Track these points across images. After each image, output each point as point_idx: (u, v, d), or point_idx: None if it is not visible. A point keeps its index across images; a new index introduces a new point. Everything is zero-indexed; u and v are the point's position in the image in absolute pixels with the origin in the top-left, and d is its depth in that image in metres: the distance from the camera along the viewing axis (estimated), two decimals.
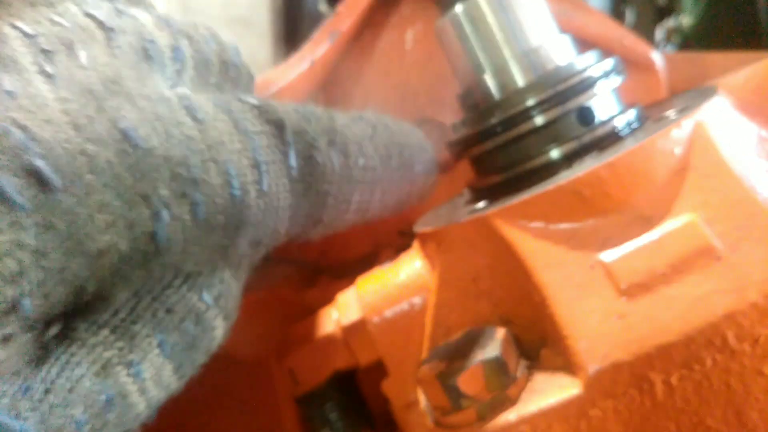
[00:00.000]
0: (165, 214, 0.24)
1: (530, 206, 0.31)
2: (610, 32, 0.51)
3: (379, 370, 0.40)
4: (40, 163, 0.21)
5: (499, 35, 0.36)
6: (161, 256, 0.24)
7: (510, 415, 0.28)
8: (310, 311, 0.44)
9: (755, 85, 0.35)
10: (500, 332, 0.31)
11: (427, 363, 0.31)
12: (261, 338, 0.46)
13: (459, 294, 0.35)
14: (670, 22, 1.07)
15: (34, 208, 0.21)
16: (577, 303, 0.29)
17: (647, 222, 0.29)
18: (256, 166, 0.27)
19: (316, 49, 0.49)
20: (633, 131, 0.34)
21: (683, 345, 0.27)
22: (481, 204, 0.36)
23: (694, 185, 0.29)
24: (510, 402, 0.29)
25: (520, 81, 0.35)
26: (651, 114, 0.37)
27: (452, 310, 0.35)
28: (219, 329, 0.28)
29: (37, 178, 0.21)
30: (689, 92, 0.38)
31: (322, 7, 0.68)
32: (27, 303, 0.21)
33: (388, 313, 0.38)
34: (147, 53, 0.26)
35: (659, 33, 1.09)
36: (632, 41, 0.51)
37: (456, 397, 0.29)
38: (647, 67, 0.52)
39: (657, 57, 0.52)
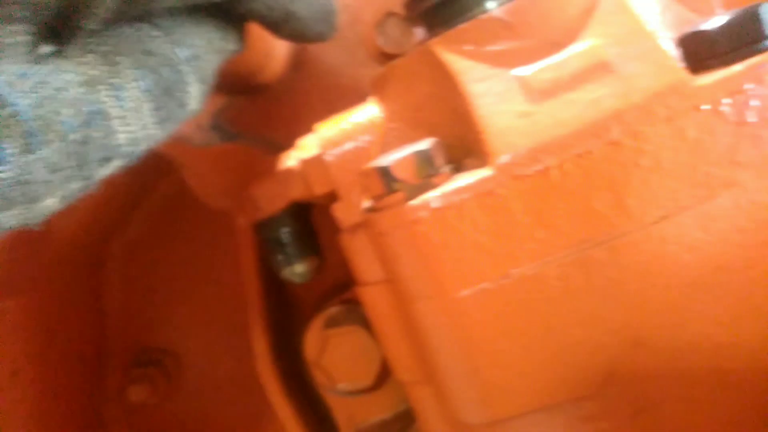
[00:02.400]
0: None
1: (463, 33, 0.37)
2: None
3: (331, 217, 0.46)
4: None
5: None
6: None
7: (431, 193, 0.34)
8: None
9: None
10: (431, 138, 0.36)
11: (371, 163, 0.37)
12: (225, 183, 0.51)
13: (403, 124, 0.40)
14: None
15: None
16: (494, 107, 0.34)
17: (558, 46, 0.35)
18: None
19: None
20: None
21: (576, 136, 0.33)
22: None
23: (600, 20, 0.35)
24: (434, 187, 0.35)
25: None
26: None
27: (397, 138, 0.41)
28: (193, 88, 0.33)
29: None
30: None
31: None
32: None
33: (343, 147, 0.43)
34: None
35: None
36: None
37: (389, 181, 0.35)
38: None
39: None
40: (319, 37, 0.45)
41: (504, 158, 0.33)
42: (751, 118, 0.33)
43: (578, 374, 0.34)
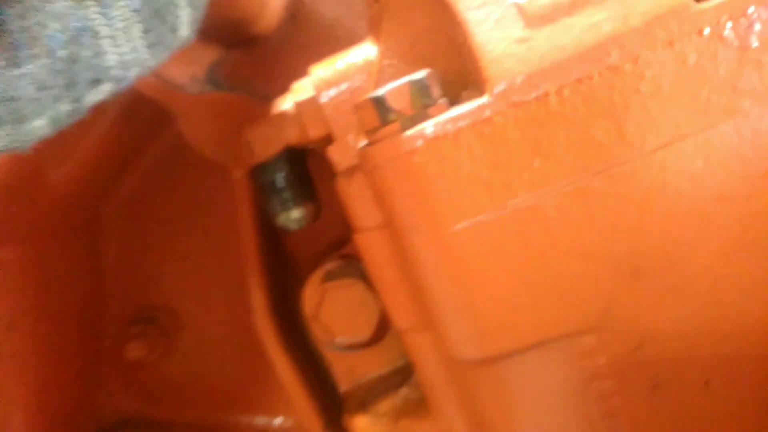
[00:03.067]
0: None
1: None
2: None
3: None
4: None
5: None
6: None
7: (428, 125, 0.33)
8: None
9: None
10: (427, 69, 0.35)
11: (366, 95, 0.36)
12: (221, 132, 0.51)
13: (399, 60, 0.40)
14: None
15: None
16: (492, 34, 0.34)
17: None
18: None
19: None
20: None
21: (574, 61, 0.32)
22: None
23: None
24: (429, 118, 0.34)
25: None
26: None
27: (392, 75, 0.40)
28: (184, 12, 0.33)
29: None
30: None
31: None
32: None
33: (338, 88, 0.42)
34: None
35: None
36: None
37: (384, 112, 0.34)
38: None
39: None
40: None
41: (501, 85, 0.32)
42: (755, 42, 0.32)
43: (576, 307, 0.34)
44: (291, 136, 0.44)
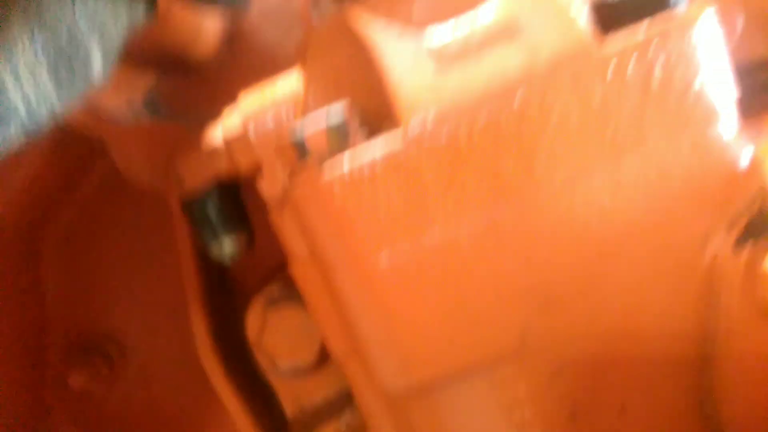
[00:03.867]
0: None
1: (374, 2, 0.36)
2: None
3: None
4: None
5: None
6: None
7: (344, 162, 0.34)
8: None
9: None
10: (344, 103, 0.36)
11: (287, 135, 0.36)
12: (153, 161, 0.50)
13: (323, 93, 0.40)
14: None
15: None
16: (405, 75, 0.34)
17: (468, 7, 0.35)
18: None
19: None
20: None
21: (482, 102, 0.33)
22: None
23: None
24: (347, 156, 0.34)
25: None
26: None
27: (317, 106, 0.40)
28: (96, 59, 0.33)
29: None
30: None
31: None
32: None
33: (265, 121, 0.43)
34: None
35: None
36: None
37: (303, 153, 0.35)
38: None
39: None
40: (234, 3, 0.44)
41: (414, 125, 0.33)
42: (656, 82, 0.33)
43: (493, 336, 0.35)
44: (220, 168, 0.44)
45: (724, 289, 0.34)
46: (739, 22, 0.55)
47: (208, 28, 0.55)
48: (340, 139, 0.34)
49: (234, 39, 0.60)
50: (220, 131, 0.44)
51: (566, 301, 0.34)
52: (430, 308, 0.34)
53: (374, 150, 0.34)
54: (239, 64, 0.60)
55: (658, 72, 0.33)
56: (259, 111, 0.43)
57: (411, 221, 0.34)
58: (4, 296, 0.60)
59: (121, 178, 0.58)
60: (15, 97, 0.29)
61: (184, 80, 0.59)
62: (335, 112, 0.35)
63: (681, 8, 0.34)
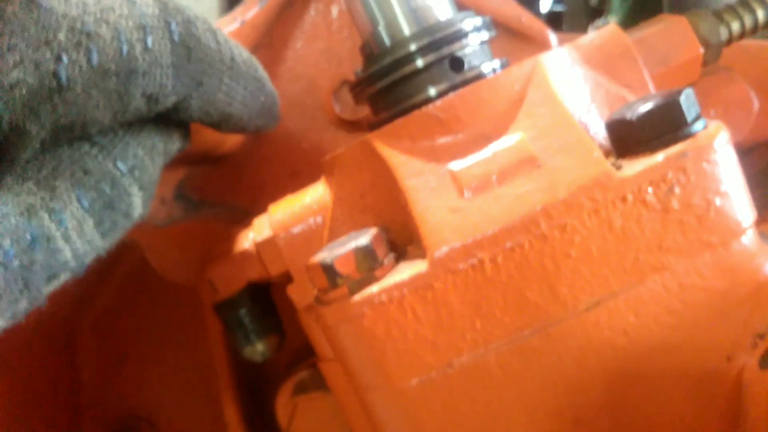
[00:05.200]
0: (65, 57, 0.29)
1: (399, 129, 0.38)
2: (510, 10, 0.58)
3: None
4: None
5: None
6: (66, 96, 0.30)
7: (373, 288, 0.35)
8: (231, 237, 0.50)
9: (599, 43, 0.42)
10: (373, 229, 0.37)
11: (316, 255, 0.38)
12: (188, 262, 0.52)
13: (350, 209, 0.42)
14: (600, 22, 1.16)
15: None
16: (429, 202, 0.36)
17: (487, 139, 0.36)
18: (142, 29, 0.33)
19: (247, 12, 0.55)
20: (494, 73, 0.41)
21: (506, 231, 0.34)
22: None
23: (527, 112, 0.37)
24: (375, 280, 0.36)
25: (406, 31, 0.42)
26: None
27: (344, 222, 0.42)
28: (136, 197, 0.34)
29: None
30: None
31: None
32: None
33: (294, 229, 0.44)
34: None
35: (591, 30, 1.18)
36: (529, 19, 0.59)
37: (332, 276, 0.36)
38: (542, 42, 0.59)
39: (551, 35, 0.59)
40: (262, 130, 0.46)
41: (439, 253, 0.34)
42: (675, 204, 0.34)
43: None
44: (252, 274, 0.46)
45: (752, 404, 0.35)
46: (755, 103, 0.56)
47: None
48: (368, 262, 0.36)
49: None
50: (251, 238, 0.46)
51: (594, 420, 0.35)
52: (460, 429, 0.35)
53: (402, 276, 0.35)
54: (265, 152, 0.62)
55: (677, 194, 0.34)
56: (288, 220, 0.44)
57: (440, 345, 0.35)
58: (41, 381, 0.62)
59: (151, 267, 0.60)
60: (65, 252, 0.31)
61: (212, 170, 0.61)
62: (363, 235, 0.37)
63: (697, 128, 0.35)
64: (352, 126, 0.61)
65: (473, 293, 0.34)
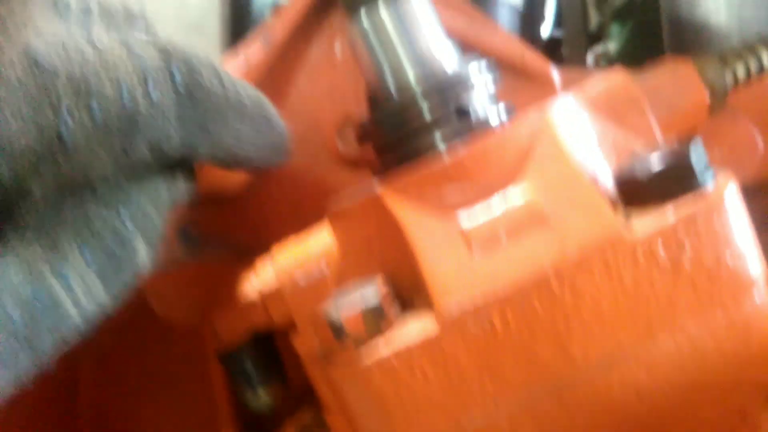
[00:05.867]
0: (68, 119, 0.29)
1: (407, 184, 0.38)
2: (513, 48, 0.58)
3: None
4: None
5: (397, 44, 0.43)
6: (69, 155, 0.30)
7: (383, 350, 0.34)
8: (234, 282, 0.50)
9: (604, 89, 0.42)
10: (380, 283, 0.37)
11: (323, 309, 0.37)
12: (192, 306, 0.52)
13: (356, 259, 0.41)
14: (599, 49, 1.17)
15: None
16: (437, 259, 0.35)
17: (496, 194, 0.36)
18: (144, 81, 0.32)
19: (249, 49, 0.55)
20: (502, 124, 0.41)
21: (516, 291, 0.34)
22: (376, 184, 0.43)
23: (536, 165, 0.36)
24: (383, 339, 0.35)
25: (412, 80, 0.42)
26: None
27: (351, 272, 0.41)
28: (141, 251, 0.34)
29: None
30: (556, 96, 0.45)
31: (269, 17, 0.75)
32: None
33: (299, 278, 0.44)
34: (56, 5, 0.33)
35: (590, 58, 1.19)
36: (532, 57, 0.59)
37: (340, 335, 0.35)
38: (545, 80, 0.59)
39: (554, 71, 0.59)
40: (273, 165, 0.46)
41: (448, 312, 0.34)
42: (686, 263, 0.34)
43: None
44: (256, 322, 0.45)
45: None
46: (760, 143, 0.56)
47: None
48: (376, 320, 0.35)
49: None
50: (255, 285, 0.46)
51: None
52: None
53: (411, 335, 0.34)
54: (268, 189, 0.61)
55: (688, 252, 0.34)
56: (292, 267, 0.44)
57: (449, 404, 0.34)
58: (39, 417, 0.61)
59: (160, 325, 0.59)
60: (67, 306, 0.30)
61: (215, 208, 0.61)
62: (371, 293, 0.36)
63: (706, 180, 0.35)
64: (356, 164, 0.60)
65: (484, 354, 0.34)
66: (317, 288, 0.43)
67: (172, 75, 0.34)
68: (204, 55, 0.37)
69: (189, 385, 0.62)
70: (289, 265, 0.44)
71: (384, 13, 0.43)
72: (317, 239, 0.45)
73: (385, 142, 0.43)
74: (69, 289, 0.31)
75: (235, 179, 0.58)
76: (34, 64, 0.29)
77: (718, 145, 0.53)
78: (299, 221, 0.63)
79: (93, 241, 0.32)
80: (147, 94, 0.33)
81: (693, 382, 0.34)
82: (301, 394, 0.59)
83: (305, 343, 0.43)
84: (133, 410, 0.64)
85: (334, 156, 0.60)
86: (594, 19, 1.17)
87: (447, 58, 0.43)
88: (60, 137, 0.29)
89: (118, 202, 0.34)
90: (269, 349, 0.47)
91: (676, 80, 0.45)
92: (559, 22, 1.13)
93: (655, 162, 0.35)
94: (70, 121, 0.29)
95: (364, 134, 0.45)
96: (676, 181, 0.35)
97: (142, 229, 0.35)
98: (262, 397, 0.46)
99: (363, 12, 0.43)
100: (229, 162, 0.41)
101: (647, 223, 0.34)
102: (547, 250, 0.34)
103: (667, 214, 0.34)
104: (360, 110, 0.61)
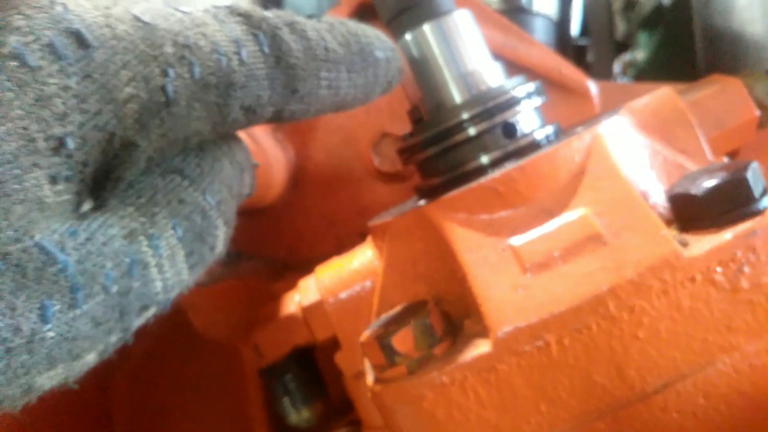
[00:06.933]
0: (171, 72, 0.30)
1: (457, 201, 0.37)
2: (550, 62, 0.58)
3: (334, 350, 0.46)
4: (79, 26, 0.27)
5: (441, 60, 0.43)
6: (171, 108, 0.31)
7: (433, 370, 0.34)
8: (276, 299, 0.50)
9: (653, 108, 0.42)
10: (430, 304, 0.37)
11: (370, 329, 0.37)
12: (230, 321, 0.52)
13: (401, 276, 0.41)
14: (626, 57, 1.16)
15: (76, 60, 0.27)
16: (490, 278, 0.35)
17: (549, 214, 0.36)
18: (234, 41, 0.33)
19: None
20: (549, 142, 0.41)
21: (573, 313, 0.33)
22: (422, 201, 0.43)
23: (589, 185, 0.36)
24: (435, 359, 0.35)
25: (457, 99, 0.42)
26: (569, 130, 0.44)
27: (395, 290, 0.41)
28: (220, 231, 0.34)
29: (77, 38, 0.27)
30: (603, 114, 0.45)
31: None
32: (70, 142, 0.27)
33: (342, 295, 0.44)
34: None
35: (617, 66, 1.18)
36: (570, 70, 0.59)
37: (390, 354, 0.35)
38: (583, 93, 0.59)
39: (591, 85, 0.59)
40: (386, 93, 0.42)
41: (503, 334, 0.34)
42: (744, 284, 0.33)
43: None
44: (298, 339, 0.45)
45: None
46: None
47: (276, 180, 0.57)
48: (427, 340, 0.35)
49: (299, 181, 0.62)
50: (297, 302, 0.46)
51: None
52: None
53: (464, 356, 0.34)
54: (302, 203, 0.62)
55: (746, 273, 0.33)
56: (336, 285, 0.44)
57: (502, 427, 0.34)
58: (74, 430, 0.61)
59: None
60: (158, 283, 0.30)
61: (250, 222, 0.61)
62: (420, 309, 0.36)
63: (765, 204, 0.34)
64: (391, 178, 0.60)
65: (538, 375, 0.33)
66: (360, 305, 0.43)
67: (256, 36, 0.35)
68: (285, 14, 0.37)
69: (224, 400, 0.63)
70: (332, 282, 0.44)
71: (428, 29, 0.43)
72: (360, 257, 0.44)
73: (428, 158, 0.43)
74: (159, 259, 0.31)
75: (273, 193, 0.58)
76: (137, 20, 0.30)
77: (764, 161, 0.52)
78: (333, 235, 0.63)
79: (184, 219, 0.33)
80: (238, 55, 0.34)
81: (751, 404, 0.34)
82: (336, 409, 0.59)
83: (347, 360, 0.43)
84: (167, 426, 0.64)
85: (370, 170, 0.61)
86: (621, 26, 1.16)
87: (492, 75, 0.43)
88: (164, 89, 0.30)
89: (204, 185, 0.34)
90: (310, 365, 0.47)
91: (725, 98, 0.45)
92: (585, 30, 1.12)
93: (710, 181, 0.35)
94: (172, 74, 0.31)
95: (407, 152, 0.45)
96: (732, 200, 0.34)
97: (223, 212, 0.35)
98: (304, 414, 0.46)
99: (407, 29, 0.43)
100: (335, 110, 0.40)
101: (704, 243, 0.34)
102: (604, 271, 0.33)
103: (724, 234, 0.33)
104: (395, 126, 0.61)
